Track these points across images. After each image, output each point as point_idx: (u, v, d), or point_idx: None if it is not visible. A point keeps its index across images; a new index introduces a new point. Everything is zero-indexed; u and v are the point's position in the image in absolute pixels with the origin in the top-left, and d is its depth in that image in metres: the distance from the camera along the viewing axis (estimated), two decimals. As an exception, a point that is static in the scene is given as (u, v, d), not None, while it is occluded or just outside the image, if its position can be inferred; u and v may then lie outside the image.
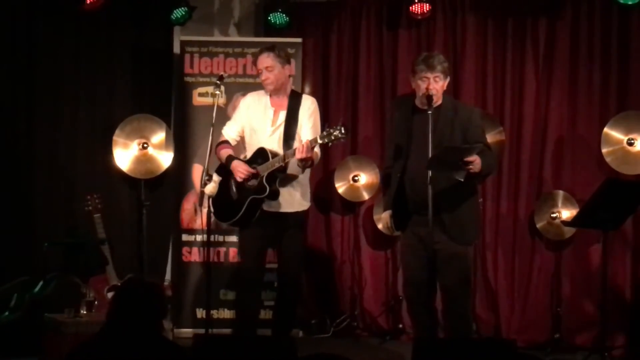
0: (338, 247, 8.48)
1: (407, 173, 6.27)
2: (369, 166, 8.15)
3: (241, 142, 6.94)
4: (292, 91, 6.89)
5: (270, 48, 6.80)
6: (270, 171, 6.55)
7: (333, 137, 6.22)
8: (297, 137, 6.65)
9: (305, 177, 6.80)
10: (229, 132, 6.90)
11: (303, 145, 6.33)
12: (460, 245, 6.22)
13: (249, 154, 6.79)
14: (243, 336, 6.57)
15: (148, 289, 4.11)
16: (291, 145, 6.58)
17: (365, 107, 8.45)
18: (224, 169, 6.76)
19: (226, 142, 6.88)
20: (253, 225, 6.70)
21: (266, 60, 6.73)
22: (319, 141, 6.31)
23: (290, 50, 7.96)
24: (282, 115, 6.75)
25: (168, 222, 8.41)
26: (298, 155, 6.36)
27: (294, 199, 6.73)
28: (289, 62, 6.90)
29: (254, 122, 6.81)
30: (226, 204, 6.73)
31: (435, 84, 6.19)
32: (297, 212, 6.77)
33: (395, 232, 6.55)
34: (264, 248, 6.88)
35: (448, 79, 6.33)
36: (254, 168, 6.62)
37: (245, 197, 6.64)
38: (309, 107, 6.77)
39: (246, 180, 6.63)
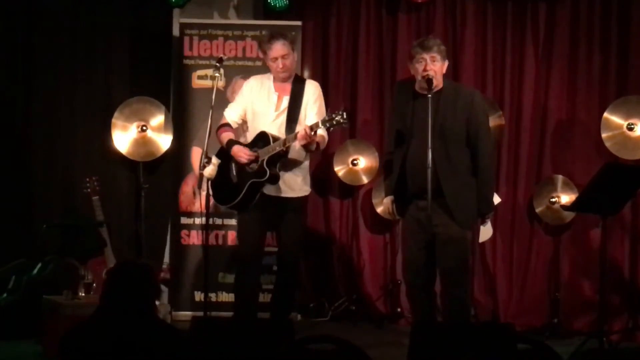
0: (337, 230, 8.47)
1: (408, 158, 6.25)
2: (368, 150, 8.14)
3: (242, 125, 6.93)
4: (296, 76, 6.87)
5: (282, 35, 6.73)
6: (270, 155, 6.54)
7: (335, 122, 6.22)
8: (300, 122, 6.63)
9: (306, 162, 6.80)
10: (231, 114, 6.88)
11: (304, 130, 6.32)
12: (460, 228, 6.21)
13: (250, 138, 6.78)
14: (240, 319, 6.59)
15: (140, 270, 4.11)
16: (294, 130, 6.56)
17: (364, 91, 8.43)
18: (224, 152, 6.74)
19: (227, 125, 6.86)
20: (252, 209, 6.70)
21: (282, 48, 6.65)
22: (320, 126, 6.30)
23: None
24: (286, 100, 6.72)
25: (167, 205, 8.40)
26: (299, 141, 6.35)
27: (295, 184, 6.72)
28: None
29: (257, 106, 6.78)
30: (226, 187, 6.73)
31: (432, 65, 6.14)
32: (298, 198, 6.76)
33: (397, 217, 6.54)
34: (263, 232, 6.87)
35: (447, 63, 6.28)
36: (255, 152, 6.61)
37: (246, 180, 6.63)
38: (313, 92, 6.75)
39: (247, 164, 6.62)
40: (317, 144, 6.54)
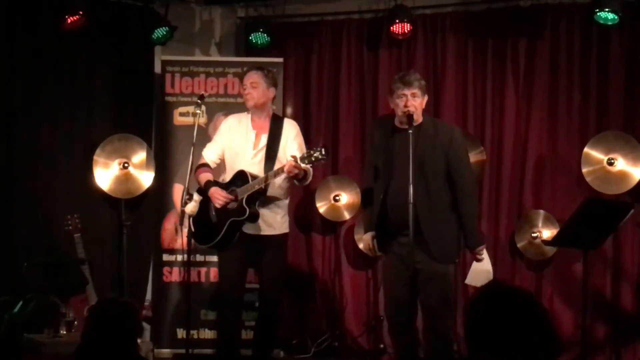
0: (319, 267, 8.47)
1: (389, 194, 6.25)
2: (350, 186, 8.15)
3: (222, 163, 6.92)
4: (274, 114, 6.88)
5: (260, 67, 6.83)
6: (249, 193, 6.53)
7: (313, 159, 6.20)
8: (279, 159, 6.63)
9: (285, 201, 6.79)
10: (209, 154, 6.88)
11: (289, 162, 6.29)
12: (442, 264, 6.21)
13: (228, 176, 6.76)
14: (223, 356, 6.56)
15: (122, 308, 4.10)
16: (273, 168, 6.55)
17: (346, 126, 8.46)
18: (205, 191, 6.73)
19: (206, 165, 6.85)
20: (232, 247, 6.67)
21: (253, 76, 6.73)
22: (299, 162, 6.29)
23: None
24: (264, 138, 6.72)
25: (149, 242, 8.38)
26: (288, 173, 6.32)
27: (274, 222, 6.70)
28: (274, 86, 6.82)
29: (235, 145, 6.78)
30: (206, 227, 6.70)
31: (413, 101, 6.16)
32: (277, 235, 6.74)
33: (378, 253, 6.54)
34: (244, 269, 6.85)
35: (426, 97, 6.29)
36: (232, 191, 6.60)
37: (225, 219, 6.60)
38: (291, 130, 6.76)
39: (225, 205, 6.60)
40: (305, 172, 6.52)
